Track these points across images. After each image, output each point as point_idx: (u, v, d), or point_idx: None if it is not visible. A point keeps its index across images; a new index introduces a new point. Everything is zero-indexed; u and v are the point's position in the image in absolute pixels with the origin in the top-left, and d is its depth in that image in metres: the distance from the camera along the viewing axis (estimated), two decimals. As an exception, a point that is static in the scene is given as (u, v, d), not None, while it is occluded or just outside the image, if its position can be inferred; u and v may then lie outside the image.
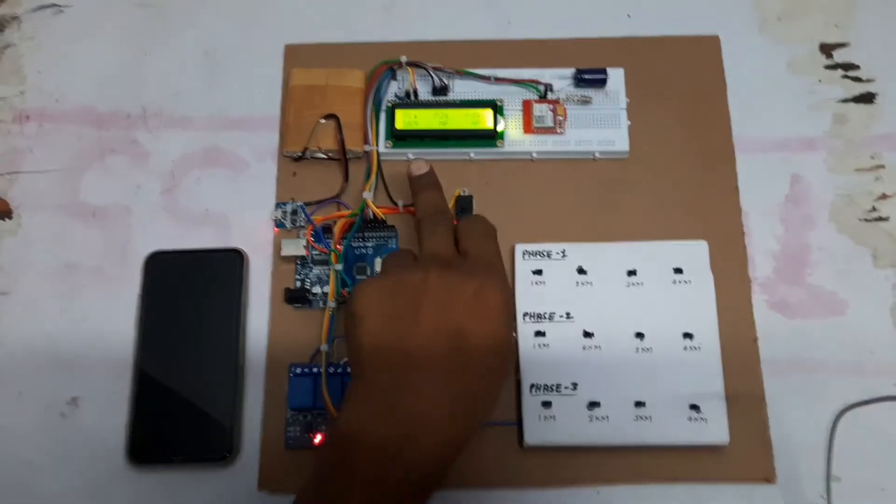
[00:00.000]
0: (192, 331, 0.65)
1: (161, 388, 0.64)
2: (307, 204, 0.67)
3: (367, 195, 0.68)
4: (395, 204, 0.69)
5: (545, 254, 0.67)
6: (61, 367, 0.66)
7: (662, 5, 0.75)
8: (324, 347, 0.63)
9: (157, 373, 0.64)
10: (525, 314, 0.65)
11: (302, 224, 0.67)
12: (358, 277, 0.67)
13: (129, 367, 0.64)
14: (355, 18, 0.72)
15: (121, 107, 0.70)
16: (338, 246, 0.66)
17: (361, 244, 0.69)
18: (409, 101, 0.68)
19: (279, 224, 0.67)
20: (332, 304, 0.64)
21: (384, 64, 0.69)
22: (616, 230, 0.65)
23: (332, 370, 0.63)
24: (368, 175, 0.69)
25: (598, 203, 0.67)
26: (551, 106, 0.71)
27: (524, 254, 0.67)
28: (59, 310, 0.67)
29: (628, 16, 0.76)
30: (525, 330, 0.64)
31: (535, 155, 0.69)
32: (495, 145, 0.70)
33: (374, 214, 0.67)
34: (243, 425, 0.63)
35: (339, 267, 0.65)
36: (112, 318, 0.64)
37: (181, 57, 0.71)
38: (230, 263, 0.65)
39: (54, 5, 0.77)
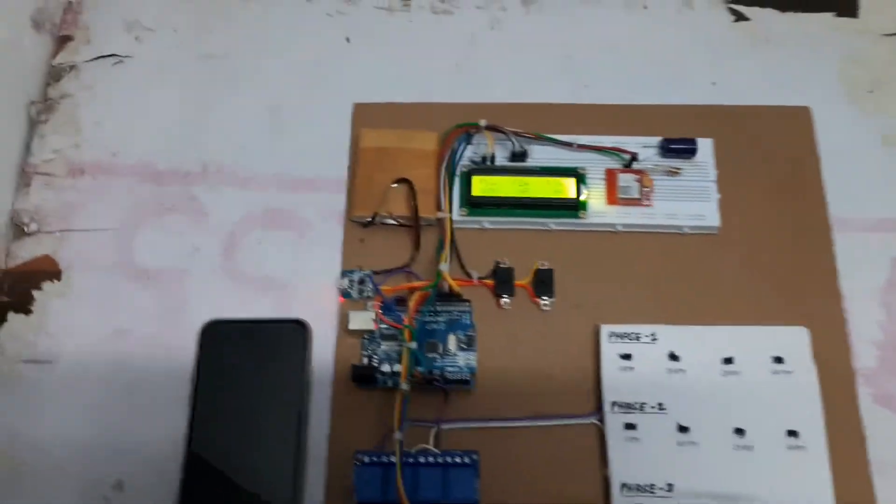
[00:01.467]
0: (250, 409, 0.55)
1: (213, 472, 0.55)
2: (375, 273, 0.60)
3: (444, 267, 0.60)
4: (469, 275, 0.62)
5: (634, 336, 0.59)
6: (106, 445, 0.57)
7: (746, 73, 0.69)
8: (397, 435, 0.54)
9: (210, 455, 0.56)
10: (613, 403, 0.57)
11: (370, 294, 0.59)
12: (429, 356, 0.58)
13: (180, 449, 0.55)
14: (427, 77, 0.65)
15: (181, 163, 0.64)
16: (411, 321, 0.57)
17: (433, 318, 0.61)
18: (487, 166, 0.61)
19: (345, 294, 0.60)
20: (404, 385, 0.56)
21: (460, 127, 0.62)
22: (707, 311, 0.58)
23: (405, 460, 0.53)
24: (441, 244, 0.61)
25: (688, 281, 0.60)
26: (637, 176, 0.63)
27: (611, 335, 0.59)
28: (106, 381, 0.58)
29: (713, 84, 0.69)
30: (613, 421, 0.56)
31: (619, 227, 0.61)
32: (577, 216, 0.62)
33: (449, 288, 0.59)
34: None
35: (414, 345, 0.57)
36: (163, 392, 0.56)
37: (245, 113, 0.65)
38: (292, 335, 0.57)
39: (115, 55, 0.70)
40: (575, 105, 0.64)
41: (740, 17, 0.71)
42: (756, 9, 0.71)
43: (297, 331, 0.56)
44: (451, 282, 0.59)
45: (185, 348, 0.57)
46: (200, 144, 0.63)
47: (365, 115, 0.64)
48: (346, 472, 0.55)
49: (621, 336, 0.59)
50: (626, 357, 0.58)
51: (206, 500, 0.55)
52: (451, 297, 0.60)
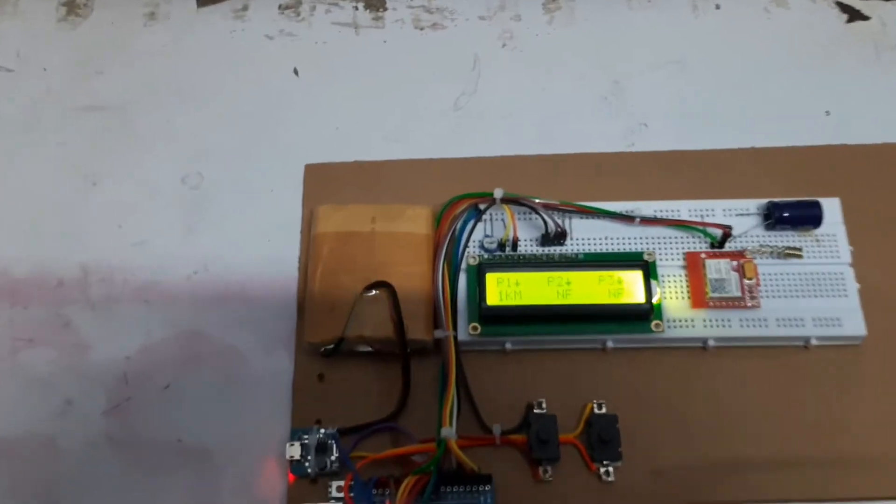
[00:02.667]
0: None
1: None
2: (343, 432, 0.43)
3: (449, 433, 0.41)
4: (488, 429, 0.43)
5: None
6: None
7: (871, 95, 0.51)
8: None
9: None
10: None
11: (334, 468, 0.42)
12: None
13: None
14: (412, 123, 0.51)
15: (48, 268, 0.48)
16: None
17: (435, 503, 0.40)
18: (507, 257, 0.46)
19: (297, 468, 0.42)
20: None
21: (464, 198, 0.47)
22: (854, 474, 0.42)
23: None
24: (444, 384, 0.43)
25: (820, 423, 0.43)
26: (734, 262, 0.46)
27: None
28: None
29: (826, 113, 0.52)
30: None
31: (712, 343, 0.44)
32: (649, 329, 0.44)
33: (458, 463, 0.41)
34: None
35: None
36: None
37: (147, 187, 0.50)
38: None
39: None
40: (629, 154, 0.50)
41: (855, 16, 0.54)
42: (876, 2, 0.52)
43: None
44: (460, 455, 0.41)
45: None
46: (79, 237, 0.48)
47: (322, 183, 0.49)
48: None
49: None
50: None
51: None
52: (463, 474, 0.41)
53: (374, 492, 0.41)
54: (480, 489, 0.41)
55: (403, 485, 0.39)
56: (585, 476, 0.42)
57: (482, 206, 0.46)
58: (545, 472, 0.42)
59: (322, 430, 0.43)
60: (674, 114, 0.51)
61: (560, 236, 0.45)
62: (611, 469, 0.42)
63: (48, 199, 0.50)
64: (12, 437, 0.43)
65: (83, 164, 0.50)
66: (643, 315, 0.44)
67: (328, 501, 0.41)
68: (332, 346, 0.44)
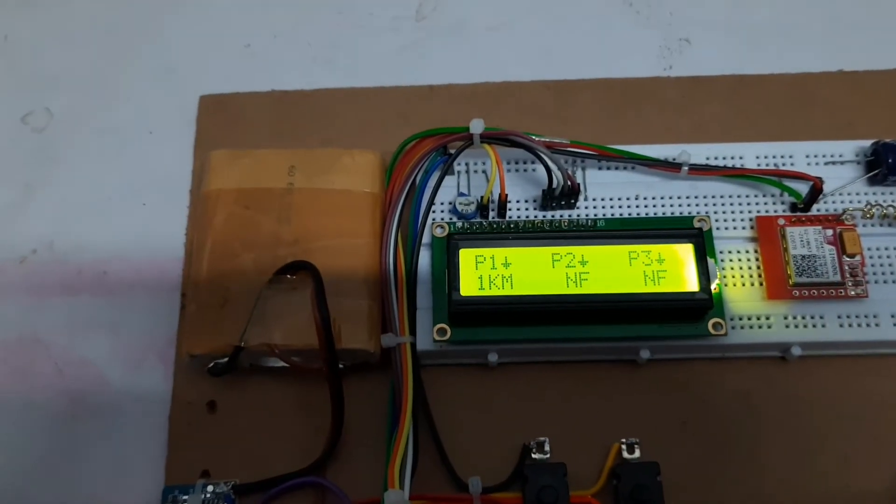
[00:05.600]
0: None
1: None
2: (241, 490, 0.32)
3: (398, 498, 0.29)
4: (465, 488, 0.31)
5: None
6: None
7: None
8: None
9: None
10: None
11: None
12: None
13: None
14: (352, 33, 0.42)
15: None
16: None
17: None
18: (491, 224, 0.35)
19: None
20: None
21: (428, 137, 0.35)
22: None
23: None
24: (394, 414, 0.32)
25: None
26: (829, 232, 0.34)
27: None
28: None
29: None
30: None
31: (795, 350, 0.33)
32: (704, 330, 0.33)
33: None
34: None
35: None
36: None
37: None
38: None
39: None
40: (665, 80, 0.41)
41: None
42: None
43: None
44: None
45: None
46: None
47: (223, 122, 0.40)
48: None
49: None
50: None
51: None
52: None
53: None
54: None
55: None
56: None
57: (454, 150, 0.34)
58: None
59: (210, 488, 0.32)
60: (725, 25, 0.42)
61: (570, 194, 0.34)
62: None
63: None
64: None
65: None
66: (696, 310, 0.33)
67: None
68: (225, 360, 0.33)
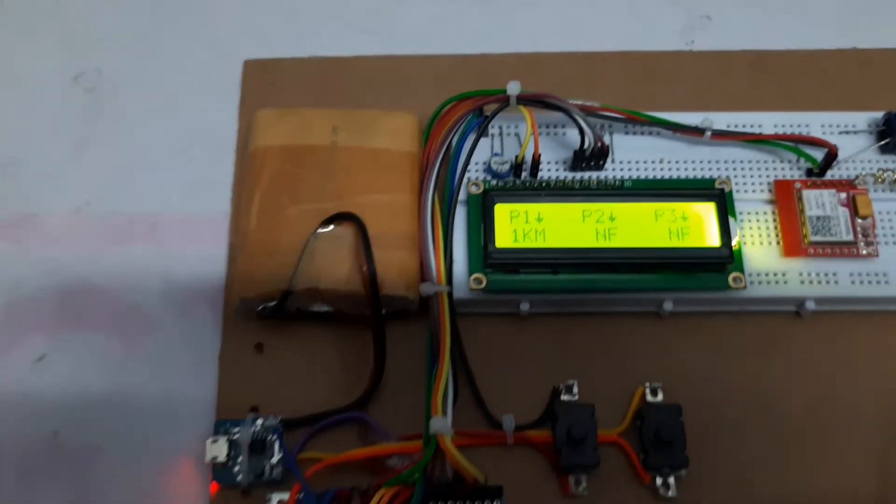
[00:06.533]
0: None
1: None
2: (288, 424, 0.34)
3: (442, 426, 0.32)
4: (499, 425, 0.34)
5: None
6: None
7: None
8: None
9: None
10: None
11: (276, 476, 0.33)
12: None
13: None
14: (393, 10, 0.44)
15: None
16: None
17: None
18: (524, 183, 0.37)
19: (221, 474, 0.34)
20: None
21: (465, 100, 0.37)
22: None
23: None
24: (433, 357, 0.34)
25: None
26: (843, 195, 0.37)
27: None
28: None
29: None
30: None
31: (810, 305, 0.36)
32: (725, 283, 0.36)
33: (454, 473, 0.32)
34: None
35: None
36: None
37: (22, 86, 0.42)
38: None
39: None
40: (687, 55, 0.43)
41: None
42: None
43: None
44: (457, 458, 0.31)
45: None
46: None
47: (266, 86, 0.42)
48: None
49: None
50: None
51: None
52: (461, 486, 0.32)
53: (330, 506, 0.31)
54: (483, 508, 0.31)
55: (374, 501, 0.30)
56: (635, 490, 0.35)
57: (489, 112, 0.36)
58: (578, 483, 0.34)
59: (259, 422, 0.35)
60: (745, 4, 0.45)
61: (599, 155, 0.37)
62: (671, 480, 0.34)
63: None
64: None
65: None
66: (718, 264, 0.36)
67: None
68: (273, 303, 0.35)
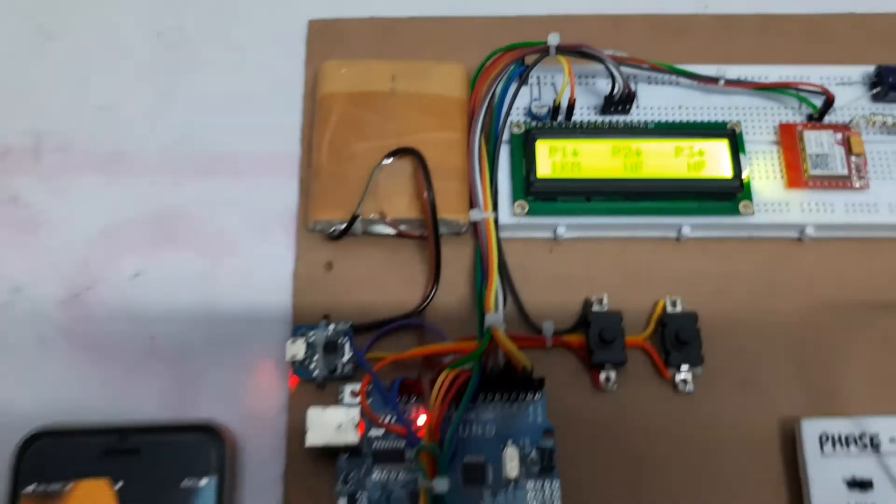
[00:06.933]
0: None
1: None
2: (357, 329, 0.39)
3: (495, 320, 0.37)
4: (537, 329, 0.39)
5: (867, 441, 0.37)
6: None
7: None
8: None
9: None
10: None
11: (347, 372, 0.38)
12: (471, 492, 0.35)
13: None
14: None
15: None
16: (435, 428, 0.35)
17: (473, 418, 0.38)
18: (560, 124, 0.42)
19: (300, 370, 0.38)
20: None
21: (509, 51, 0.42)
22: None
23: None
24: (483, 272, 0.39)
25: None
26: (838, 135, 0.42)
27: (823, 440, 0.37)
28: None
29: None
30: None
31: (809, 231, 0.41)
32: (736, 210, 0.41)
33: (506, 361, 0.36)
34: None
35: (443, 486, 0.33)
36: None
37: (113, 42, 0.46)
38: (195, 457, 0.36)
39: None
40: (702, 17, 0.47)
41: None
42: None
43: (204, 449, 0.36)
44: (510, 347, 0.36)
45: None
46: (31, 96, 0.44)
47: (329, 43, 0.46)
48: None
49: (844, 441, 0.37)
50: (861, 485, 0.36)
51: None
52: (510, 376, 0.37)
53: (399, 397, 0.37)
54: (530, 398, 0.38)
55: (439, 381, 0.35)
56: (658, 385, 0.39)
57: (530, 62, 0.41)
58: (608, 379, 0.39)
59: (331, 327, 0.39)
60: None
61: (627, 99, 0.42)
62: (689, 377, 0.39)
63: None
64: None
65: (36, 13, 0.47)
66: (730, 193, 0.40)
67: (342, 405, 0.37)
68: (343, 226, 0.40)
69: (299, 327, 0.39)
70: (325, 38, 0.46)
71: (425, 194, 0.39)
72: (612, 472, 0.38)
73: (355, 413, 0.36)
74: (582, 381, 0.39)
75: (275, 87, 0.45)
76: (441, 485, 0.32)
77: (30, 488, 0.36)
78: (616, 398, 0.39)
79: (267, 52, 0.46)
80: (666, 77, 0.43)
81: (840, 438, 0.37)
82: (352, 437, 0.36)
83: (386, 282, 0.41)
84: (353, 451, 0.36)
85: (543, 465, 0.36)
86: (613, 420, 0.38)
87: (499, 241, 0.40)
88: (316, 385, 0.39)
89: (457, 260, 0.41)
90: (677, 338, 0.39)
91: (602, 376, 0.39)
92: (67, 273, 0.41)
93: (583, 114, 0.43)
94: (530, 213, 0.40)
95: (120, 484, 0.36)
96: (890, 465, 0.36)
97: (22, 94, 0.45)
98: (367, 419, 0.37)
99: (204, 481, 0.36)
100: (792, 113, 0.43)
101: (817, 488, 0.36)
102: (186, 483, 0.36)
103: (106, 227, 0.42)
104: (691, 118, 0.43)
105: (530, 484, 0.36)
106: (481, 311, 0.37)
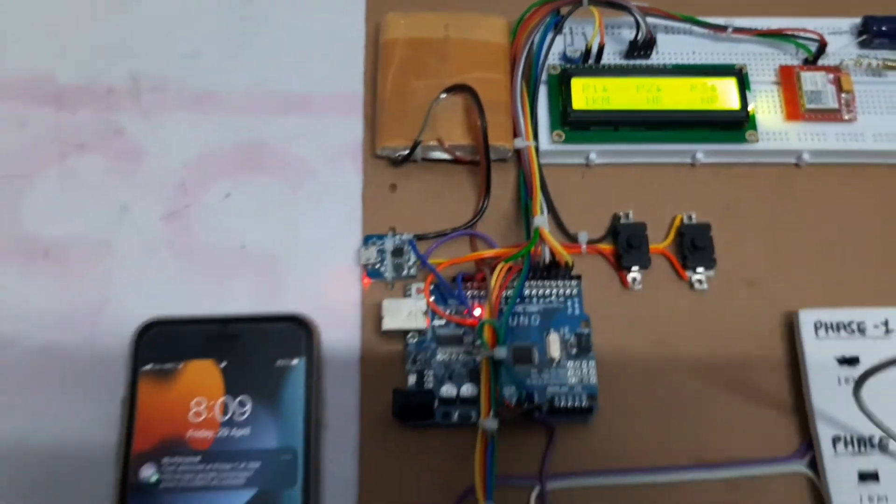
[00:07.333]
0: (216, 470, 0.40)
1: None
2: (419, 238, 0.45)
3: (541, 220, 0.44)
4: (573, 238, 0.46)
5: (855, 327, 0.44)
6: None
7: None
8: None
9: None
10: (835, 440, 0.41)
11: (411, 272, 0.45)
12: (518, 370, 0.42)
13: None
14: None
15: (97, 75, 0.50)
16: (495, 308, 0.42)
17: (522, 311, 0.45)
18: (591, 66, 0.49)
19: (372, 272, 0.45)
20: (489, 422, 0.39)
21: (546, 4, 0.49)
22: None
23: None
24: (526, 190, 0.46)
25: None
26: (830, 76, 0.49)
27: (818, 327, 0.43)
28: None
29: None
30: (837, 469, 0.41)
31: (806, 157, 0.48)
32: (743, 138, 0.48)
33: (551, 256, 0.43)
34: None
35: (503, 353, 0.41)
36: (75, 434, 0.42)
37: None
38: (286, 343, 0.43)
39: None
40: None
41: None
42: None
43: (294, 336, 0.43)
44: (554, 244, 0.43)
45: (108, 366, 0.43)
46: (128, 45, 0.51)
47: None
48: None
49: (835, 327, 0.44)
50: (849, 362, 0.43)
51: None
52: (552, 270, 0.44)
53: (461, 289, 0.43)
54: (569, 293, 0.44)
55: (497, 270, 0.42)
56: (677, 285, 0.45)
57: (564, 12, 0.48)
58: (634, 280, 0.45)
59: (397, 236, 0.45)
60: None
61: (649, 45, 0.48)
62: (704, 277, 0.45)
63: (91, 6, 0.52)
64: (65, 238, 0.46)
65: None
66: (738, 123, 0.47)
67: (410, 296, 0.43)
68: (406, 151, 0.46)
69: (369, 236, 0.45)
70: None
71: (478, 122, 0.45)
72: (637, 355, 0.44)
73: (422, 303, 0.42)
74: (612, 281, 0.45)
75: (339, 37, 0.51)
76: (500, 352, 0.39)
77: (147, 367, 0.42)
78: (641, 296, 0.45)
79: (332, 6, 0.52)
80: (681, 26, 0.49)
81: (832, 325, 0.43)
82: (420, 322, 0.42)
83: (442, 201, 0.47)
84: (420, 336, 0.43)
85: (581, 347, 0.43)
86: (638, 314, 0.45)
87: (539, 164, 0.46)
88: (385, 284, 0.45)
89: (502, 185, 0.47)
90: (693, 244, 0.45)
91: (629, 277, 0.45)
92: (167, 194, 0.47)
93: (610, 58, 0.49)
94: (566, 140, 0.46)
95: (224, 363, 0.42)
96: (873, 346, 0.42)
97: (120, 42, 0.50)
98: (431, 311, 0.43)
99: (295, 361, 0.42)
100: (790, 57, 0.49)
101: (813, 365, 0.42)
102: (280, 363, 0.42)
103: (199, 156, 0.48)
104: (703, 62, 0.49)
105: (570, 363, 0.43)
106: (527, 220, 0.44)
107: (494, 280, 0.41)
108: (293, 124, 0.49)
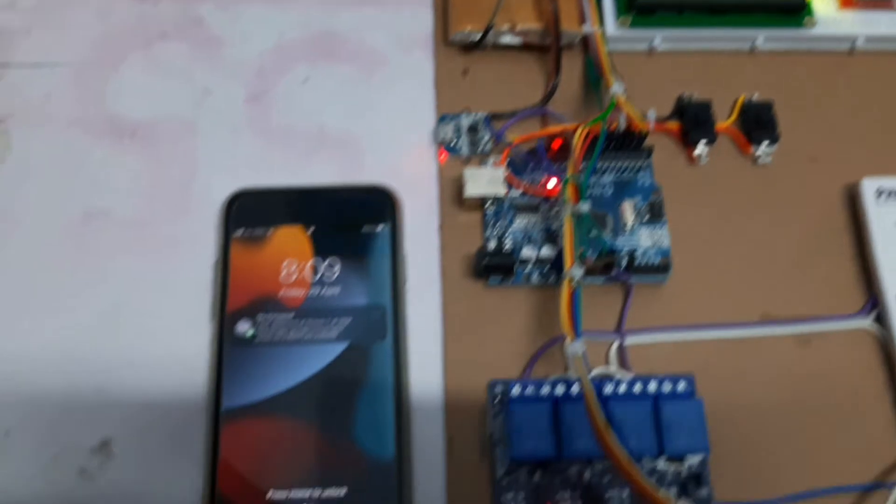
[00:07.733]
0: (308, 333, 0.42)
1: (260, 422, 0.40)
2: (493, 117, 0.48)
3: (619, 89, 0.46)
4: (644, 116, 0.46)
5: None
6: (80, 389, 0.42)
7: None
8: (574, 347, 0.39)
9: (251, 409, 0.41)
10: None
11: (487, 150, 0.47)
12: (591, 236, 0.43)
13: (203, 390, 0.42)
14: None
15: None
16: (577, 169, 0.44)
17: (596, 181, 0.47)
18: None
19: (450, 147, 0.47)
20: (574, 271, 0.41)
21: None
22: None
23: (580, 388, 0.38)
24: (594, 74, 0.49)
25: None
26: None
27: (880, 194, 0.46)
28: (72, 292, 0.44)
29: None
30: None
31: (859, 43, 0.51)
32: (801, 24, 0.50)
33: (628, 124, 0.45)
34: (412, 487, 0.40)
35: (586, 207, 0.43)
36: (167, 305, 0.44)
37: None
38: (370, 211, 0.45)
39: None
40: None
41: None
42: None
43: (378, 204, 0.45)
44: (630, 110, 0.45)
45: (200, 237, 0.45)
46: None
47: None
48: (471, 419, 0.42)
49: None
50: None
51: (248, 465, 0.40)
52: (627, 140, 0.46)
53: (541, 160, 0.45)
54: (641, 162, 0.46)
55: (578, 133, 0.43)
56: (741, 161, 0.47)
57: None
58: (700, 155, 0.47)
59: (472, 115, 0.47)
60: None
61: None
62: (767, 151, 0.47)
63: None
64: (151, 119, 0.48)
65: None
66: (797, 8, 0.49)
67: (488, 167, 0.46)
68: (477, 37, 0.48)
69: (445, 115, 0.47)
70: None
71: (549, 6, 0.48)
72: (704, 222, 0.46)
73: (501, 172, 0.44)
74: (679, 157, 0.47)
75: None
76: (583, 206, 0.42)
77: (238, 232, 0.44)
78: (707, 170, 0.47)
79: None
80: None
81: (893, 192, 0.45)
82: (500, 189, 0.44)
83: (512, 85, 0.48)
84: (498, 204, 0.45)
85: (654, 213, 0.45)
86: (705, 186, 0.46)
87: (606, 51, 0.47)
88: (461, 160, 0.47)
89: (567, 71, 0.49)
90: (757, 120, 0.47)
91: (696, 152, 0.47)
92: (248, 79, 0.49)
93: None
94: (632, 25, 0.48)
95: (312, 229, 0.44)
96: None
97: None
98: (508, 184, 0.45)
99: (380, 227, 0.44)
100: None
101: (877, 228, 0.45)
102: (366, 228, 0.44)
103: (276, 44, 0.50)
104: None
105: (643, 229, 0.45)
106: (598, 95, 0.47)
107: (577, 141, 0.42)
108: (362, 17, 0.50)
